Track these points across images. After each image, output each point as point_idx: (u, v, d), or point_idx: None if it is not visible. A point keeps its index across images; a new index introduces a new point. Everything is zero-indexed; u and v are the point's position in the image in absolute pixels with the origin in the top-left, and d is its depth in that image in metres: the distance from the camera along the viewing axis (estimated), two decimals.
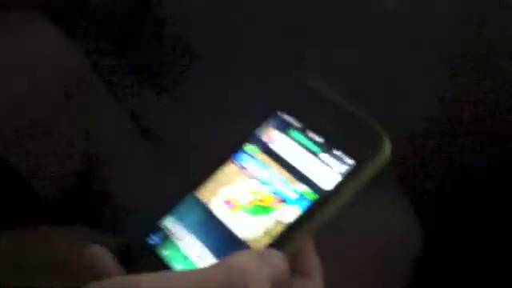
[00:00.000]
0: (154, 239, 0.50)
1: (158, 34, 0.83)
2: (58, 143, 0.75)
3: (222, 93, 0.81)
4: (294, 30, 0.81)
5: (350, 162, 0.48)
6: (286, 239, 0.46)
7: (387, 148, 0.47)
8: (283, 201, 0.48)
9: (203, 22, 0.82)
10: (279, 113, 0.52)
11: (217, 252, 0.47)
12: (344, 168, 0.48)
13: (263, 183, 0.50)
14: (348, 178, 0.47)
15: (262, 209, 0.48)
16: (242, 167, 0.51)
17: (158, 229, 0.50)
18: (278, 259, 0.44)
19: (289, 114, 0.52)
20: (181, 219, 0.50)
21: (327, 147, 0.49)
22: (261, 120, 0.53)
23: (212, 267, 0.42)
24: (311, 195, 0.48)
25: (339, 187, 0.47)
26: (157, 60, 0.83)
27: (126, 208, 0.76)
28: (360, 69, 0.80)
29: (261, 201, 0.49)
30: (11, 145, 0.71)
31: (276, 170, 0.50)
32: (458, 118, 0.82)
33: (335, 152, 0.49)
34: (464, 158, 0.83)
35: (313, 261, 0.47)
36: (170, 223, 0.50)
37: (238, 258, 0.42)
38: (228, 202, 0.50)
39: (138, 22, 0.82)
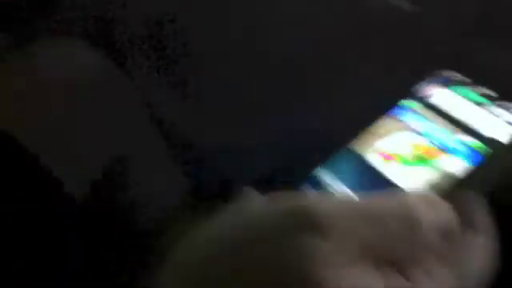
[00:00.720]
0: (306, 185, 0.49)
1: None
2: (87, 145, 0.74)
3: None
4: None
5: None
6: (452, 192, 0.44)
7: None
8: (447, 151, 0.47)
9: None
10: (444, 72, 0.52)
11: None
12: None
13: (424, 135, 0.49)
14: None
15: (422, 159, 0.47)
16: (401, 120, 0.50)
17: (311, 177, 0.49)
18: (446, 208, 0.42)
19: (456, 71, 0.51)
20: (335, 169, 0.49)
21: (500, 100, 0.47)
22: (422, 77, 0.52)
23: (383, 198, 0.40)
24: (481, 147, 0.45)
25: None
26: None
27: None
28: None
29: (421, 151, 0.48)
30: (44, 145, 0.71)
31: (439, 123, 0.49)
32: None
33: (509, 104, 0.47)
34: None
35: (484, 219, 0.44)
36: (324, 172, 0.49)
37: (409, 196, 0.40)
38: (385, 153, 0.49)
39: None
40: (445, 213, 0.41)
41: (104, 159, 0.74)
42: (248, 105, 0.78)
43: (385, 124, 0.50)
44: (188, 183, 0.75)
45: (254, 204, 0.41)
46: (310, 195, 0.41)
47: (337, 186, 0.48)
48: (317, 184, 0.48)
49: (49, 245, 0.68)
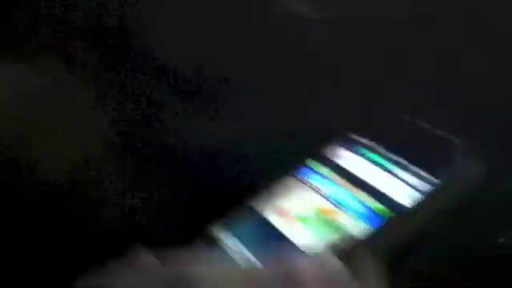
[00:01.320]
0: (203, 244, 0.49)
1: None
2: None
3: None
4: None
5: (432, 179, 0.45)
6: (350, 251, 0.44)
7: (475, 167, 0.45)
8: (348, 213, 0.47)
9: None
10: (350, 134, 0.52)
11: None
12: (424, 185, 0.45)
13: (327, 197, 0.49)
14: (429, 195, 0.45)
15: (323, 219, 0.48)
16: (305, 181, 0.51)
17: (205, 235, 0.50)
18: (334, 261, 0.42)
19: (362, 135, 0.51)
20: (235, 228, 0.50)
21: (405, 165, 0.47)
22: (328, 139, 0.52)
23: (269, 266, 0.42)
24: (383, 210, 0.46)
25: (419, 204, 0.45)
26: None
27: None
28: None
29: (323, 212, 0.48)
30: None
31: (341, 184, 0.49)
32: None
33: (414, 170, 0.46)
34: None
35: (370, 269, 0.44)
36: (222, 231, 0.50)
37: (295, 259, 0.42)
38: (286, 212, 0.49)
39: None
40: (332, 264, 0.42)
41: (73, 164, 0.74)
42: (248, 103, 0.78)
43: (288, 184, 0.51)
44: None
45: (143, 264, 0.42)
46: (198, 258, 0.41)
47: (234, 245, 0.48)
48: (214, 242, 0.49)
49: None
